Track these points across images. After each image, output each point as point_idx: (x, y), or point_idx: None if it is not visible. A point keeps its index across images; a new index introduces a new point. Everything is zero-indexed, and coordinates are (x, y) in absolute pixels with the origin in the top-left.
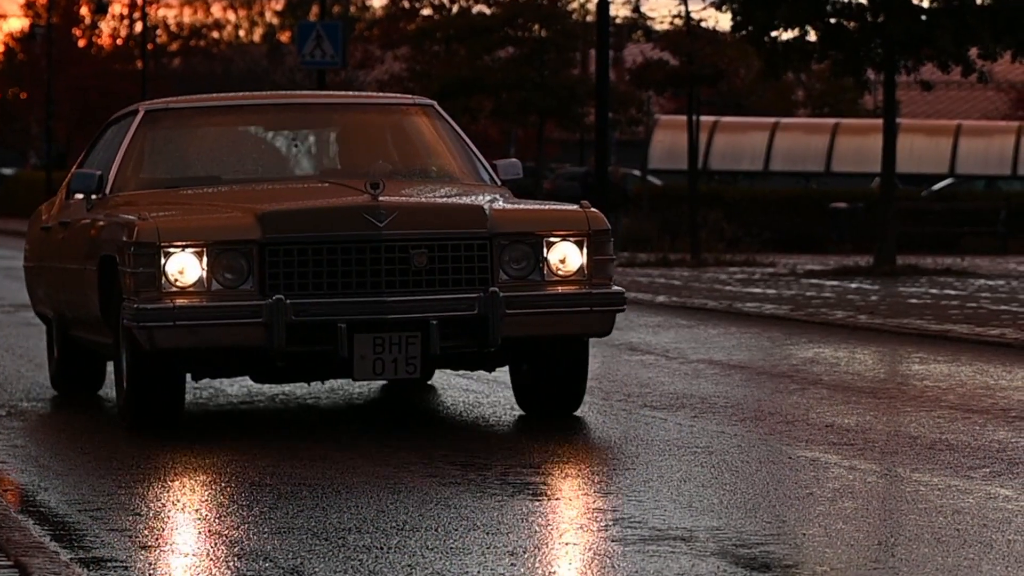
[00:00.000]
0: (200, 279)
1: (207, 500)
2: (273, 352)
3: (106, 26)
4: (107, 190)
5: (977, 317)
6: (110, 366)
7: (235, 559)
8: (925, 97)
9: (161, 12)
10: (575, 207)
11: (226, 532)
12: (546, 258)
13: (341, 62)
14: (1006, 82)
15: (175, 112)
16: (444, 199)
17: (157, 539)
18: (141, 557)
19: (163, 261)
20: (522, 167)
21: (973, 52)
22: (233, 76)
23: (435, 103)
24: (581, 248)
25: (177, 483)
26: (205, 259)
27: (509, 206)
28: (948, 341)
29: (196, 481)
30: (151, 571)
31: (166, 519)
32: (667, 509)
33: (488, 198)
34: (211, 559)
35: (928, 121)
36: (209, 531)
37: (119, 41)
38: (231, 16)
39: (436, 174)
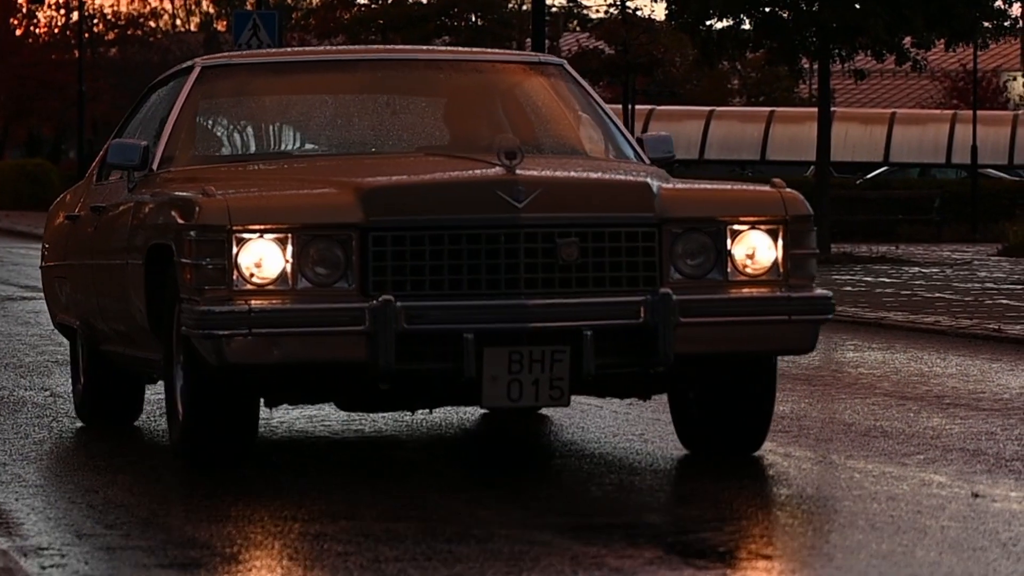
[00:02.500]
0: (283, 274)
1: (142, 489)
2: (378, 371)
3: (43, 15)
4: (154, 165)
5: (911, 304)
6: (150, 391)
7: (171, 547)
8: (860, 86)
9: (98, 1)
10: (765, 187)
11: (161, 521)
12: (730, 251)
13: None
14: (940, 71)
15: (240, 69)
16: (598, 175)
17: (93, 527)
18: (77, 544)
19: (235, 250)
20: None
21: (907, 41)
22: (170, 65)
23: (565, 62)
24: (775, 239)
25: (111, 472)
26: (290, 248)
27: (681, 185)
28: (883, 328)
29: (132, 469)
30: (87, 558)
31: (101, 508)
32: (602, 496)
33: (647, 176)
34: (146, 547)
35: (862, 110)
36: (145, 520)
37: (56, 30)
38: (168, 5)
39: (568, 149)
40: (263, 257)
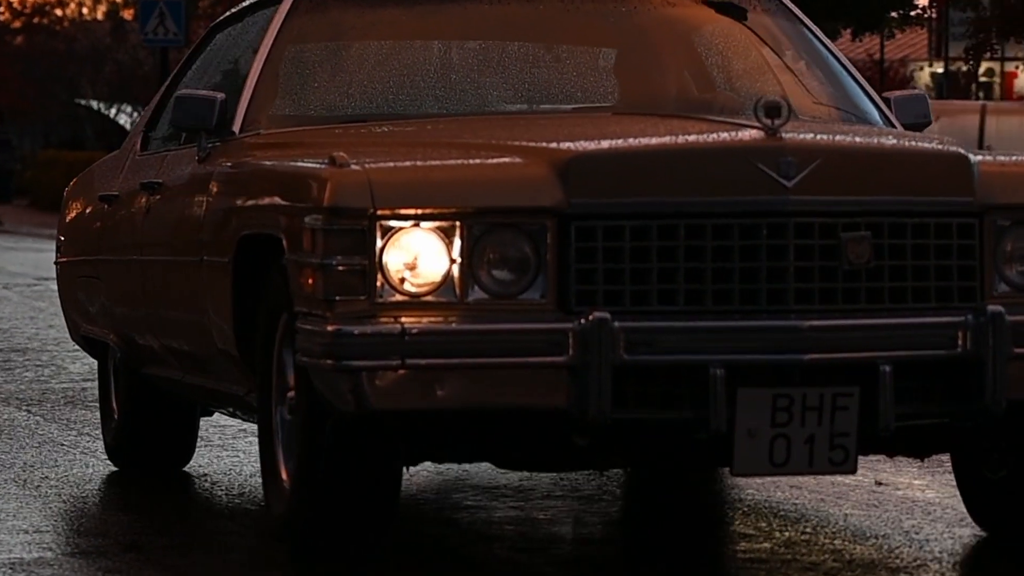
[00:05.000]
0: (448, 278)
1: (46, 477)
2: (586, 421)
3: None
4: (236, 126)
5: None
6: (206, 425)
7: (74, 535)
8: None
9: None
10: None
11: (68, 510)
12: None
13: (184, 40)
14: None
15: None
16: (893, 141)
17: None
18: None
19: (380, 243)
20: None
21: None
22: (76, 54)
23: None
24: None
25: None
26: (458, 241)
27: (1004, 158)
28: None
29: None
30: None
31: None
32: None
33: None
34: (51, 533)
35: None
36: (49, 511)
37: None
38: None
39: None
40: (420, 254)
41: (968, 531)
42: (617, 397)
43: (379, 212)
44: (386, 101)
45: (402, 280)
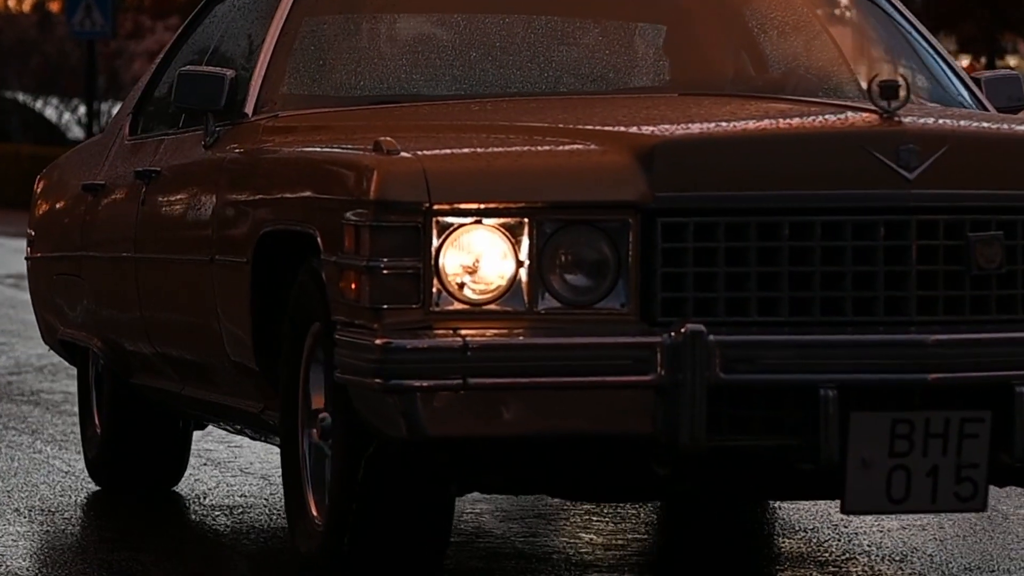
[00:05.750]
0: (515, 284)
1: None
2: (677, 449)
3: None
4: (249, 108)
5: None
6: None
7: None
8: None
9: None
10: None
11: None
12: None
13: (111, 33)
14: None
15: None
16: (1013, 126)
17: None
18: None
19: (436, 242)
20: None
21: None
22: (2, 46)
23: None
24: None
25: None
26: (526, 241)
27: None
28: None
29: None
30: None
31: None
32: None
33: None
34: None
35: None
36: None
37: None
38: None
39: (855, 92)
40: (482, 256)
41: (896, 523)
42: (711, 421)
43: (435, 207)
44: (418, 80)
45: (461, 286)
